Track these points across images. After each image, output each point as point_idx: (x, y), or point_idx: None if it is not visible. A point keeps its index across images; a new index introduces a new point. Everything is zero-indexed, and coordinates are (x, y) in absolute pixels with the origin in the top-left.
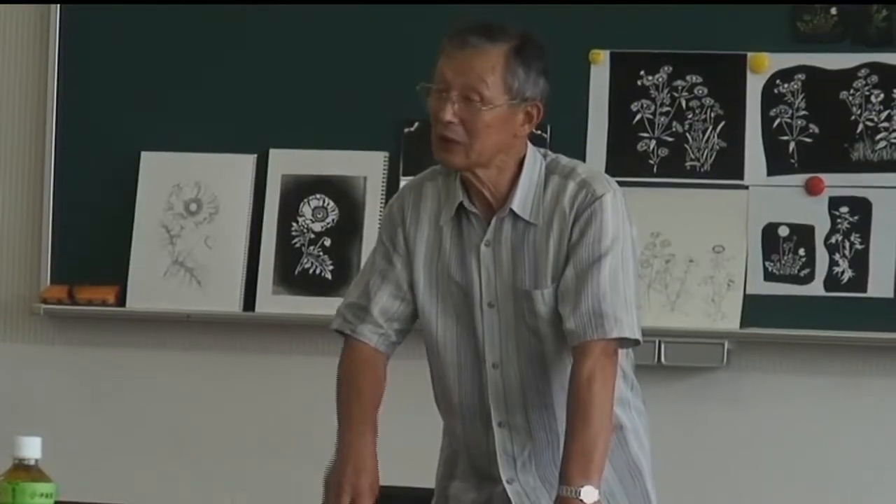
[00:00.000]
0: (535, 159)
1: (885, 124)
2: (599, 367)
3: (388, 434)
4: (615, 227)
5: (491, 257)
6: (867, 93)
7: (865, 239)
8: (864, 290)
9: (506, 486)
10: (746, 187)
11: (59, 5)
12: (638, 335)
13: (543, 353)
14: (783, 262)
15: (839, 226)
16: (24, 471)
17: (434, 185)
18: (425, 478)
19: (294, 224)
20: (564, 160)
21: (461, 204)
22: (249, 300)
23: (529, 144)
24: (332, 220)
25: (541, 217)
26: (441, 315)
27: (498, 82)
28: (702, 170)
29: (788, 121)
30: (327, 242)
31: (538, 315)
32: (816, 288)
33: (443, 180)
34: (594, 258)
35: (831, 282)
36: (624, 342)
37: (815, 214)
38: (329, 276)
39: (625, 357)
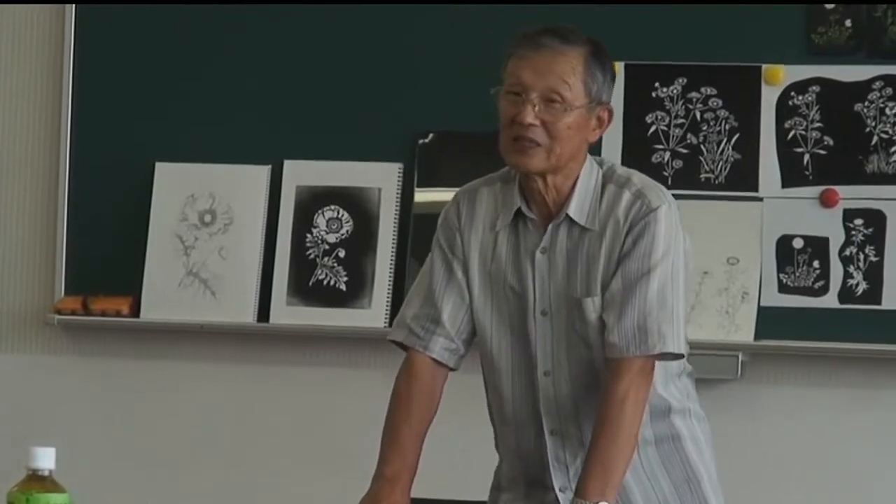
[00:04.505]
0: (592, 167)
1: None
2: (634, 387)
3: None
4: (667, 240)
5: (546, 265)
6: (882, 105)
7: (880, 251)
8: (879, 303)
9: (558, 494)
10: (761, 199)
11: (73, 5)
12: (682, 349)
13: (593, 361)
14: (797, 274)
15: (853, 238)
16: (38, 481)
17: (491, 190)
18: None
19: (308, 235)
20: (620, 170)
21: (519, 210)
22: (263, 311)
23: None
24: (347, 231)
25: (596, 224)
26: (495, 322)
27: (578, 84)
28: (716, 182)
29: (803, 133)
30: (342, 254)
31: (588, 323)
32: (831, 300)
33: (500, 186)
34: (643, 271)
35: (845, 294)
36: (666, 356)
37: (830, 226)
38: (343, 287)
39: (679, 366)
